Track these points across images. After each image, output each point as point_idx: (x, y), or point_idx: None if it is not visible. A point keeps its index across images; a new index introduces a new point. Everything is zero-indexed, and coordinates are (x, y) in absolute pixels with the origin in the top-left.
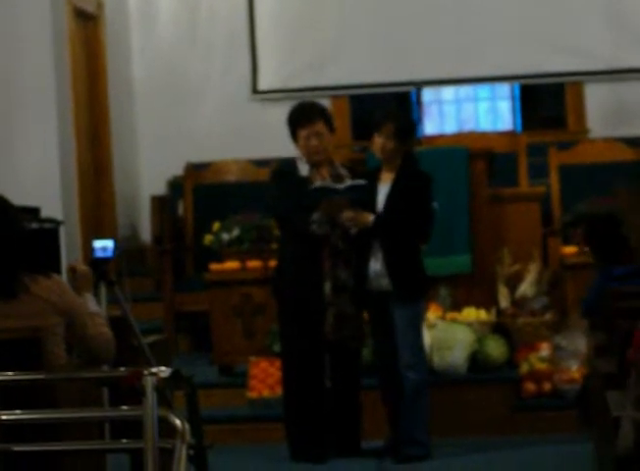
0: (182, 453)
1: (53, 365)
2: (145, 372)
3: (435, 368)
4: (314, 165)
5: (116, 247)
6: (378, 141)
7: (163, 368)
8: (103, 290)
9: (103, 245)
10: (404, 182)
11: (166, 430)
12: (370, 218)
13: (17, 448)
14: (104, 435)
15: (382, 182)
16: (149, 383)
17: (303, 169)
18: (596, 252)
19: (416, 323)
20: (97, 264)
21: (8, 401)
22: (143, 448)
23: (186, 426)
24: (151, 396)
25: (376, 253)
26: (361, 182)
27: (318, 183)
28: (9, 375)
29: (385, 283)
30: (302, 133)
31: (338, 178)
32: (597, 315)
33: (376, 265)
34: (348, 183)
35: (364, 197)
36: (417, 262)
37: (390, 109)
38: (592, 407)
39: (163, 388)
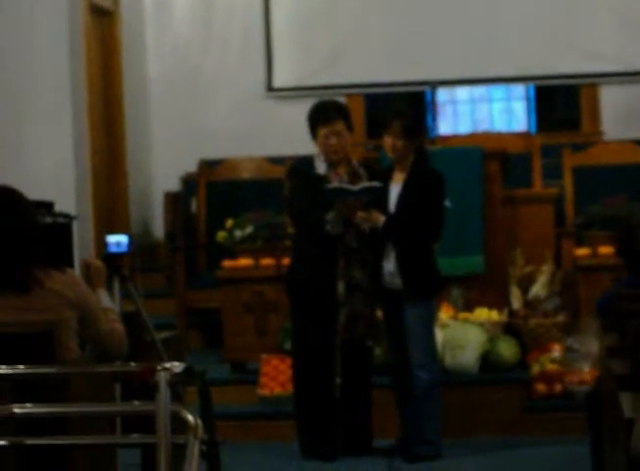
0: (194, 449)
1: (66, 359)
2: (159, 367)
3: (446, 368)
4: (332, 163)
5: (130, 243)
6: (387, 141)
7: (176, 363)
8: (116, 285)
9: (117, 240)
10: (416, 181)
11: (178, 425)
12: (381, 218)
13: (29, 442)
14: (115, 429)
15: (394, 181)
16: (162, 378)
17: (321, 167)
18: (630, 260)
19: (428, 322)
20: (111, 259)
21: (21, 395)
22: (156, 444)
23: (199, 421)
24: (164, 392)
25: (389, 252)
26: (376, 183)
27: (333, 184)
28: (22, 369)
29: (398, 282)
30: (322, 132)
31: (354, 176)
32: (610, 316)
33: (389, 264)
34: (363, 184)
35: (378, 199)
36: (429, 261)
37: (396, 108)
38: (603, 408)
39: (175, 383)
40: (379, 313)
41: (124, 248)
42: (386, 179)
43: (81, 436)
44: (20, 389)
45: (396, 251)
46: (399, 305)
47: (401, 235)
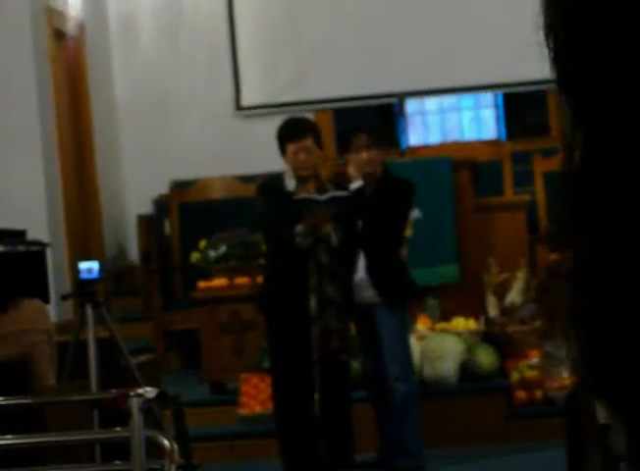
0: None
1: (42, 387)
2: (131, 393)
3: (425, 379)
4: (301, 180)
5: (102, 269)
6: (358, 159)
7: (149, 389)
8: (89, 312)
9: (89, 267)
10: (384, 190)
11: (155, 450)
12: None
13: None
14: (94, 457)
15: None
16: (135, 404)
17: (290, 184)
18: None
19: (402, 334)
20: (83, 286)
21: None
22: (132, 470)
23: (175, 446)
24: (137, 417)
25: (360, 264)
26: (343, 192)
27: (301, 195)
28: None
29: (368, 294)
30: (291, 148)
31: (323, 193)
32: None
33: (360, 276)
34: (330, 194)
35: (346, 208)
36: (402, 267)
37: (358, 126)
38: (581, 411)
39: (151, 408)
40: (352, 327)
41: (95, 275)
42: (357, 194)
43: (60, 465)
44: None
45: (367, 260)
46: (370, 319)
47: (375, 244)
